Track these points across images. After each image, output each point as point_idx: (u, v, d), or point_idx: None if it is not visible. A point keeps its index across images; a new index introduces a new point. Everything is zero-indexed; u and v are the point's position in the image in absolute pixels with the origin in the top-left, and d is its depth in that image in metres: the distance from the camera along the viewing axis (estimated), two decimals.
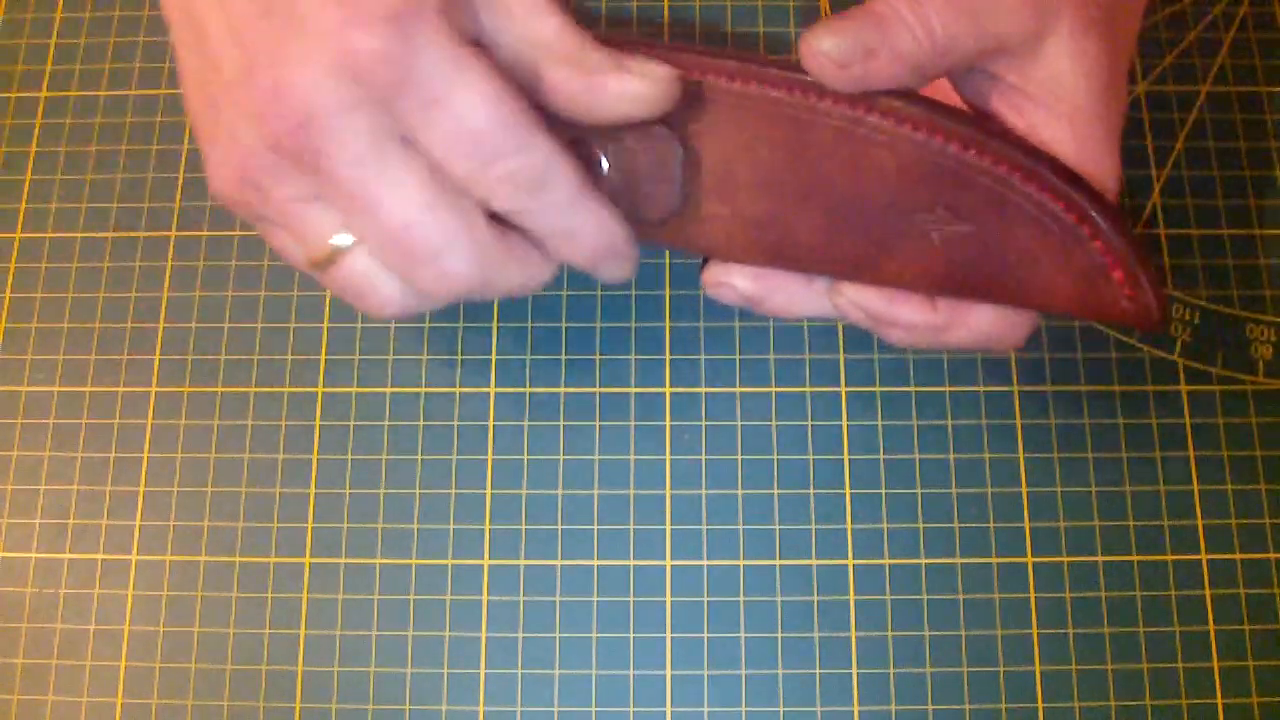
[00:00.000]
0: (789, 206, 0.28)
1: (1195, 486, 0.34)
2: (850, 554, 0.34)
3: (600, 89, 0.26)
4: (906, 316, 0.28)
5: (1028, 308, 0.28)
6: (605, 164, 0.28)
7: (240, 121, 0.25)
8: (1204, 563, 0.33)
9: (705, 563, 0.34)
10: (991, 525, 0.34)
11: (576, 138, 0.27)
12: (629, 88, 0.26)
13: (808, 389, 0.35)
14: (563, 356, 0.35)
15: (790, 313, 0.29)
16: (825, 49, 0.26)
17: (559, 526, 0.34)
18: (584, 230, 0.27)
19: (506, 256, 0.27)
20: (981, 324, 0.28)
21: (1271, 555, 0.33)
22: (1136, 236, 0.27)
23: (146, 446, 0.35)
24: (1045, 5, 0.26)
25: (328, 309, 0.36)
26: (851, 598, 0.33)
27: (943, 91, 0.29)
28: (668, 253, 0.36)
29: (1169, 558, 0.33)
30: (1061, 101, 0.27)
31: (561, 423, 0.35)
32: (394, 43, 0.24)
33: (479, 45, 0.26)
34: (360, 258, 0.27)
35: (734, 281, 0.29)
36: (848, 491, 0.34)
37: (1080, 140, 0.27)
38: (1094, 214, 0.27)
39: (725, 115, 0.28)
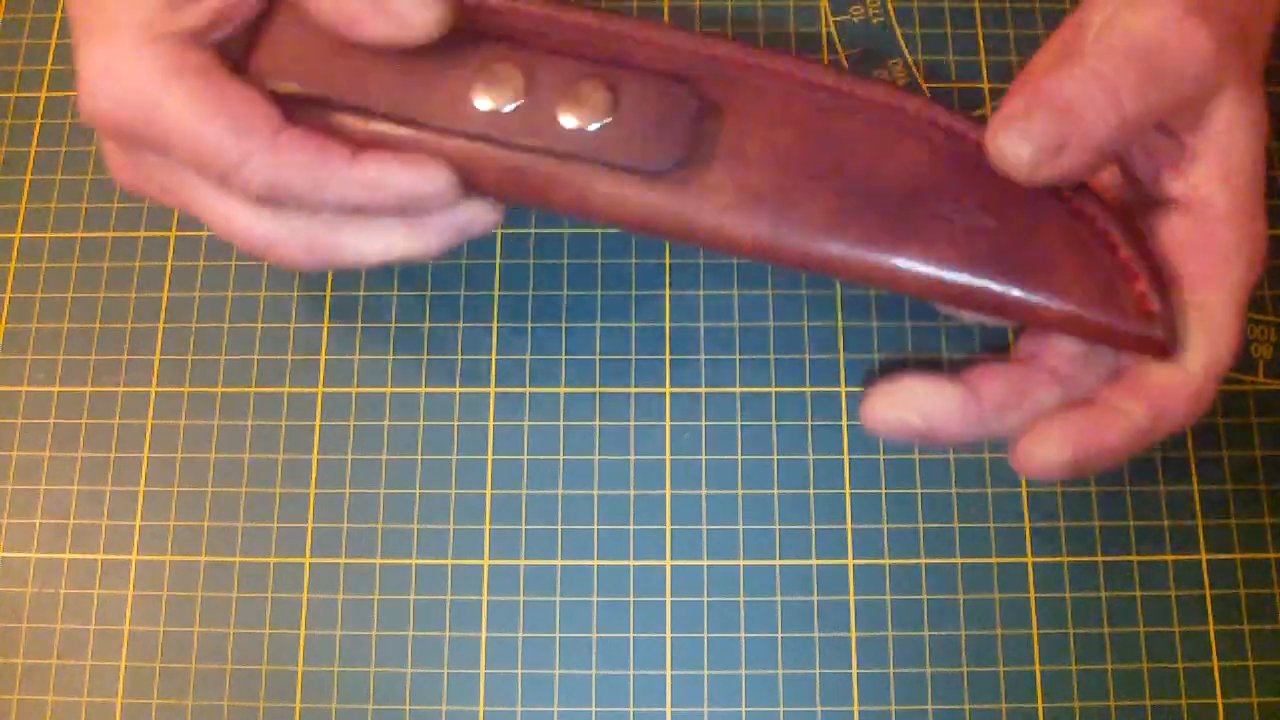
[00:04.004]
0: (798, 183, 0.27)
1: (1195, 486, 0.34)
2: (850, 554, 0.34)
3: (359, 24, 0.26)
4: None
5: (1038, 320, 0.27)
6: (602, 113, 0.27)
7: None
8: (1204, 563, 0.33)
9: (705, 563, 0.34)
10: (991, 525, 0.34)
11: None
12: (382, 29, 0.26)
13: (808, 389, 0.35)
14: (563, 356, 0.35)
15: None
16: (1020, 154, 0.25)
17: (559, 526, 0.34)
18: (378, 201, 0.27)
19: (337, 241, 0.28)
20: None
21: (1271, 555, 0.33)
22: (1159, 260, 0.27)
23: (146, 446, 0.35)
24: (1223, 57, 0.25)
25: (328, 309, 0.36)
26: (851, 598, 0.33)
27: None
28: (668, 253, 0.36)
29: (1169, 558, 0.33)
30: (1227, 159, 0.26)
31: (561, 423, 0.35)
32: (108, 92, 0.26)
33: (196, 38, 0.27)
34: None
35: (908, 418, 0.26)
36: (848, 491, 0.34)
37: (1237, 200, 0.26)
38: (1122, 225, 0.26)
39: (747, 92, 0.28)
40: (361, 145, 0.27)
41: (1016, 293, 0.26)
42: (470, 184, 0.28)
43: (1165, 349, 0.26)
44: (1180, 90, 0.25)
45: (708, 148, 0.27)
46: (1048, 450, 0.26)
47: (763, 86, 0.28)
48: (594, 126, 0.27)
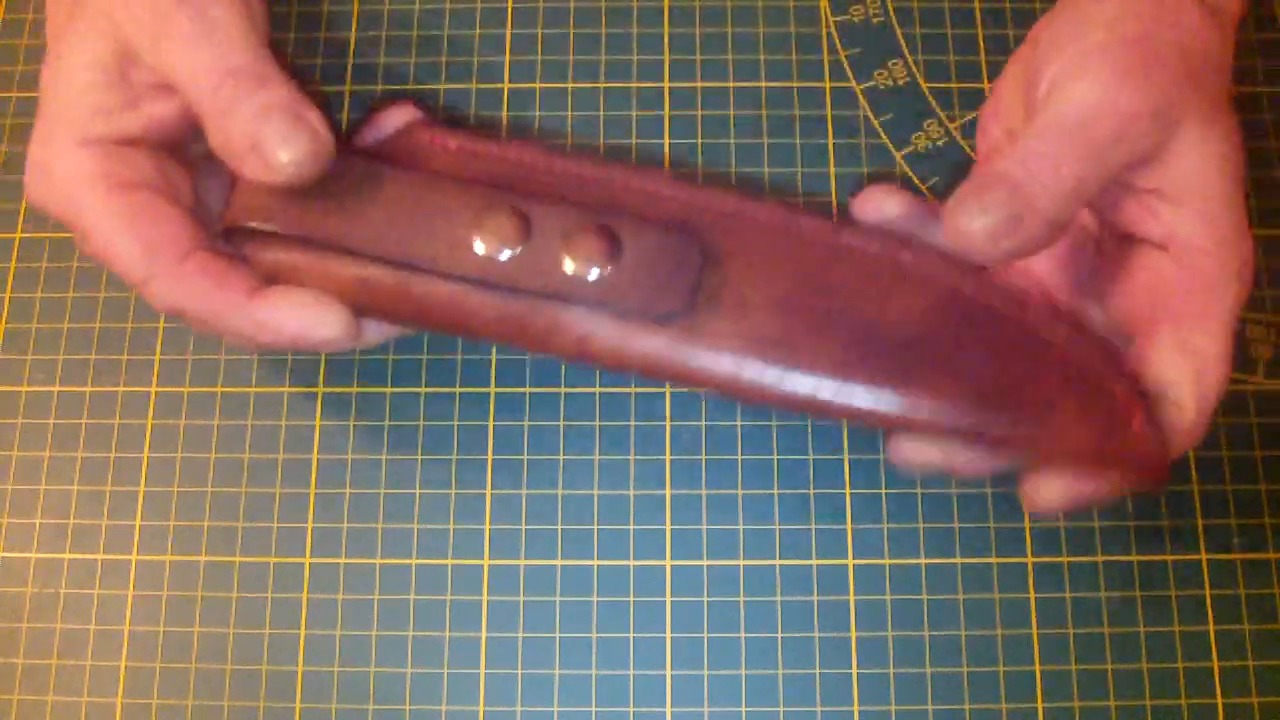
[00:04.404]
0: (803, 331, 0.27)
1: (1195, 487, 0.34)
2: (850, 554, 0.34)
3: (241, 163, 0.27)
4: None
5: (1043, 457, 0.27)
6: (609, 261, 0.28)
7: None
8: (1204, 563, 0.33)
9: (705, 563, 0.34)
10: (991, 525, 0.34)
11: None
12: (254, 169, 0.27)
13: None
14: None
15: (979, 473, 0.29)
16: (979, 227, 0.25)
17: (559, 526, 0.34)
18: (268, 341, 0.28)
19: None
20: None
21: (1271, 555, 0.33)
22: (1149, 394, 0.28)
23: (146, 446, 0.35)
24: (1169, 110, 0.26)
25: None
26: (851, 598, 0.33)
27: None
28: None
29: (1169, 558, 0.33)
30: (1195, 197, 0.26)
31: (561, 423, 0.35)
32: (42, 188, 0.28)
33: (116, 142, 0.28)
34: None
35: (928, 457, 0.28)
36: (848, 491, 0.34)
37: (1216, 234, 0.26)
38: (1114, 362, 0.27)
39: (745, 238, 0.28)
40: (346, 286, 0.28)
41: (1023, 432, 0.27)
42: (464, 330, 0.28)
43: (1162, 481, 0.27)
44: (1123, 154, 0.26)
45: (711, 294, 0.27)
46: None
47: (759, 233, 0.28)
48: (596, 273, 0.27)
